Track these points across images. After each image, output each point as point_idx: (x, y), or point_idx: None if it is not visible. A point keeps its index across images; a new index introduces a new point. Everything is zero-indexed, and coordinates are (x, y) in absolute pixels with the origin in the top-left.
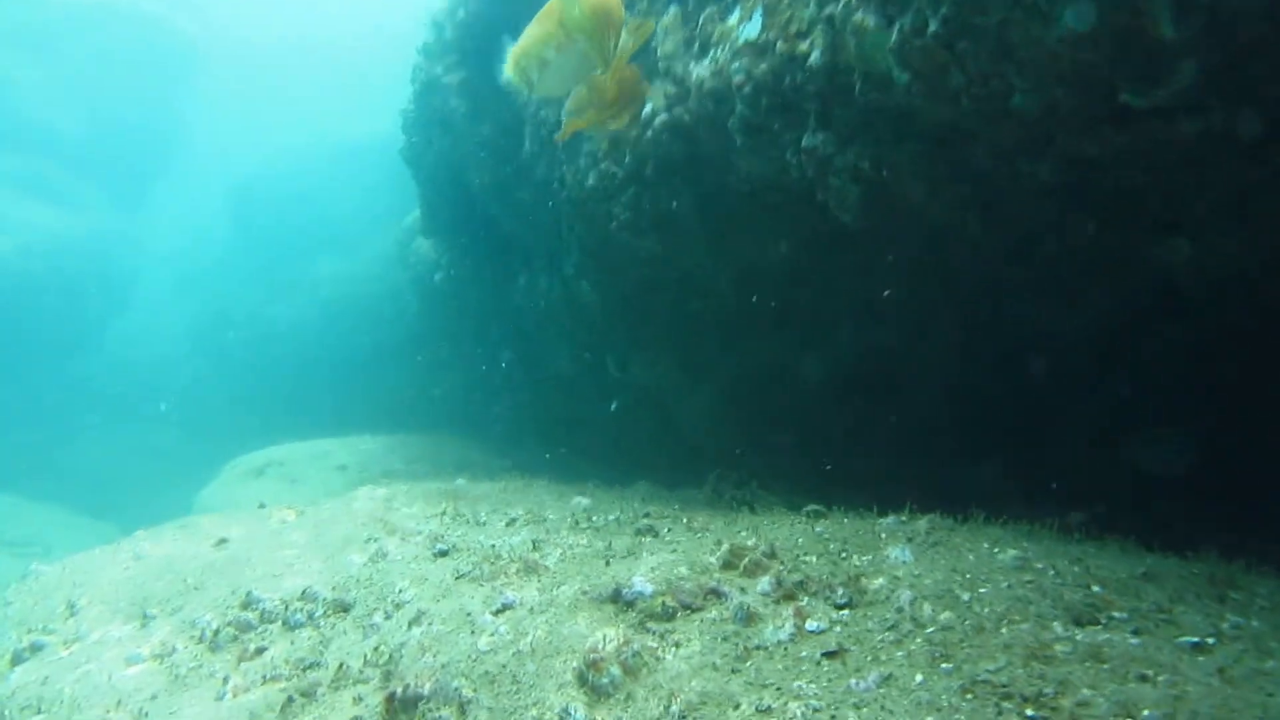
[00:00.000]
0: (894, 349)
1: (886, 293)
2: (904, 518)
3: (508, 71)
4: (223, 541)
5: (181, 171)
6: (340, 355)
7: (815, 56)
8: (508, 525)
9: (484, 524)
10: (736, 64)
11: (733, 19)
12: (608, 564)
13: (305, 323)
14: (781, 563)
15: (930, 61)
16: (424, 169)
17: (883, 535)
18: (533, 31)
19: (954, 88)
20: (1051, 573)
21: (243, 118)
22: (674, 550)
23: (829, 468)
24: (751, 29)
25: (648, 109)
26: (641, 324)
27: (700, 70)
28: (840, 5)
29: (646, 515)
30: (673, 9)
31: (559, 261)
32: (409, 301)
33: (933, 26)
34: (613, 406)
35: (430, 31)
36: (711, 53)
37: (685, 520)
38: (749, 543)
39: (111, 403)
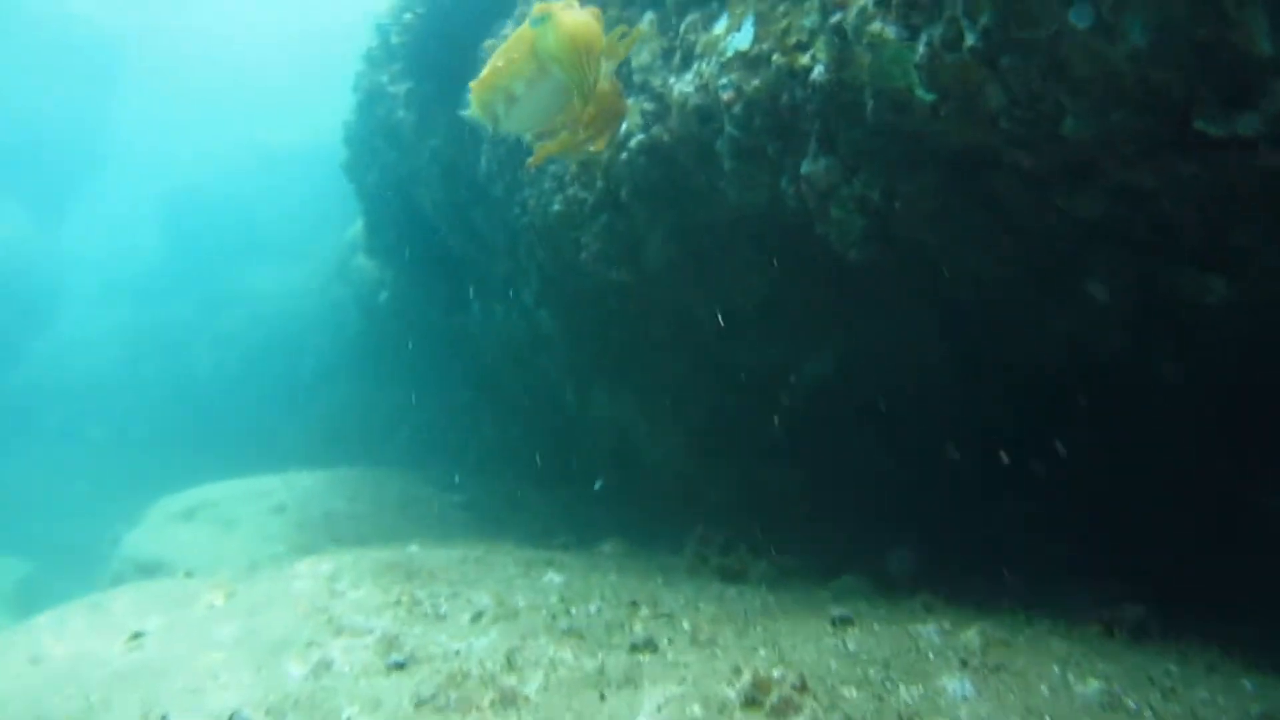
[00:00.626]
0: (887, 385)
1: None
2: (946, 625)
3: (471, 106)
4: (138, 636)
5: (109, 179)
6: (278, 374)
7: (818, 71)
8: (473, 620)
9: (445, 617)
10: (725, 79)
11: (719, 27)
12: (602, 697)
13: (239, 340)
14: (815, 698)
15: (965, 80)
16: (368, 185)
17: (930, 655)
18: (499, 62)
19: (992, 110)
20: (1149, 714)
21: (175, 120)
22: (682, 679)
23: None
24: (742, 39)
25: (622, 128)
26: (606, 357)
27: (682, 85)
28: (853, 13)
29: (633, 603)
30: (649, 15)
31: (517, 288)
32: (350, 319)
33: (970, 40)
34: (596, 486)
35: (374, 36)
36: (695, 65)
37: (687, 627)
38: (774, 673)
39: (33, 426)
